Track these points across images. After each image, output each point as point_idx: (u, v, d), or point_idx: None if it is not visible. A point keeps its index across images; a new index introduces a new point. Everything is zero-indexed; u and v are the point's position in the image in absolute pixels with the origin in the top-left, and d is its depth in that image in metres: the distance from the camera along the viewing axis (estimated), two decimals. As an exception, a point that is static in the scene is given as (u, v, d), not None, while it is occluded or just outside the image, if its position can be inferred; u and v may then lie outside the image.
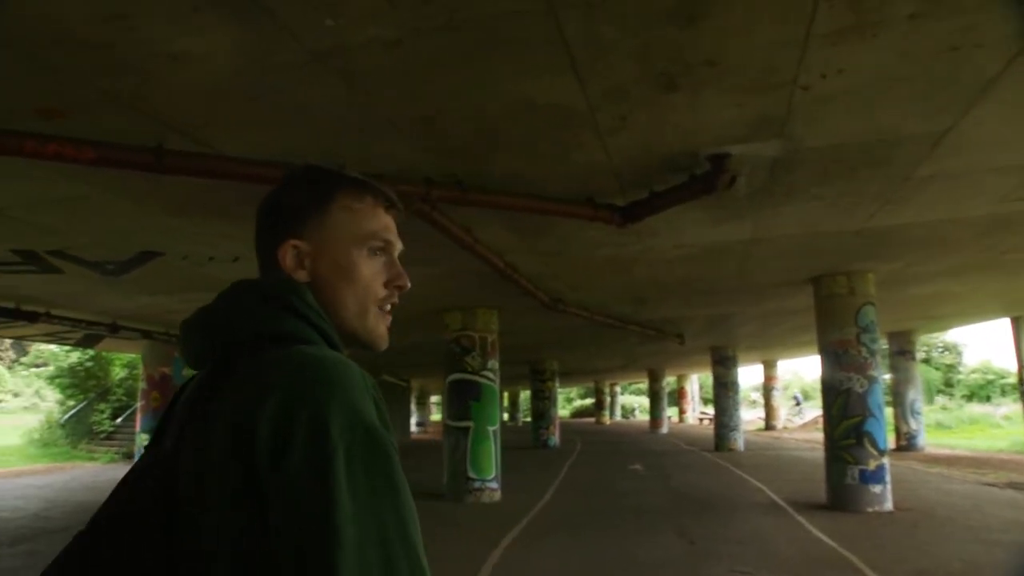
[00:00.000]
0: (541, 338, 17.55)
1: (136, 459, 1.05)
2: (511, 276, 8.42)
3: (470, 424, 11.44)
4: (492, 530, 8.74)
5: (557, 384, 24.84)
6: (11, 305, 10.08)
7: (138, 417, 15.40)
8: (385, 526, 0.81)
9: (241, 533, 0.82)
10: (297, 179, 1.12)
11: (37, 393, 42.73)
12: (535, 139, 4.96)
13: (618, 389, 56.06)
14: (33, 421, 23.18)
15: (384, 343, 1.13)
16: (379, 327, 1.11)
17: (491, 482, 11.45)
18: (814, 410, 33.60)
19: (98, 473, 16.39)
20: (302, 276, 1.05)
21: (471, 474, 11.33)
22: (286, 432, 0.81)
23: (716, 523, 9.01)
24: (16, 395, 50.30)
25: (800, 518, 9.22)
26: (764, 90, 4.31)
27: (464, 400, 11.57)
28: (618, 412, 55.48)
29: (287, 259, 1.05)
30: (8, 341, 50.21)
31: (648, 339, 17.59)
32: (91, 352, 20.63)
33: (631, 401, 62.40)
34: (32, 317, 10.33)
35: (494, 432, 11.61)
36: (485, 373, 11.69)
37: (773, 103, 4.49)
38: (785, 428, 33.07)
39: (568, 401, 72.81)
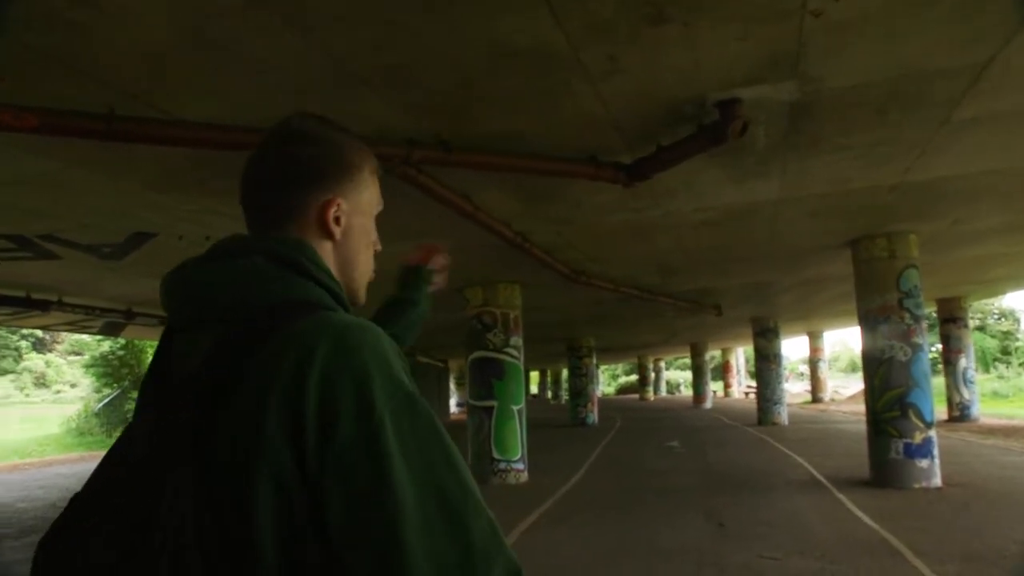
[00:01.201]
0: (573, 314, 17.11)
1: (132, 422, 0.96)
2: (522, 246, 7.97)
3: (493, 403, 11.05)
4: (512, 513, 8.37)
5: (595, 361, 24.37)
6: (22, 294, 9.96)
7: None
8: (443, 482, 0.81)
9: (292, 512, 0.78)
10: (328, 136, 1.08)
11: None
12: (519, 89, 4.49)
13: (663, 364, 55.30)
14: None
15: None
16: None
17: (517, 463, 11.07)
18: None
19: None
20: (337, 234, 1.05)
21: (496, 455, 10.96)
22: (332, 407, 0.79)
23: (749, 503, 8.51)
24: (73, 385, 51.65)
25: (840, 496, 8.68)
26: (769, 19, 3.77)
27: (487, 379, 11.18)
28: (663, 387, 54.77)
29: (330, 215, 1.04)
30: (63, 333, 51.48)
31: (684, 312, 17.03)
32: (122, 340, 20.74)
33: (676, 376, 61.66)
34: (44, 306, 10.21)
35: (519, 411, 11.21)
36: (508, 350, 11.27)
37: (782, 35, 3.95)
38: (832, 400, 32.13)
39: (614, 378, 72.67)
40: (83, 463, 16.40)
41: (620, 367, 70.46)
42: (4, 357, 57.27)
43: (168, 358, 0.96)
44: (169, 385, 0.92)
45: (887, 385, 9.36)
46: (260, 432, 0.79)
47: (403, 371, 0.87)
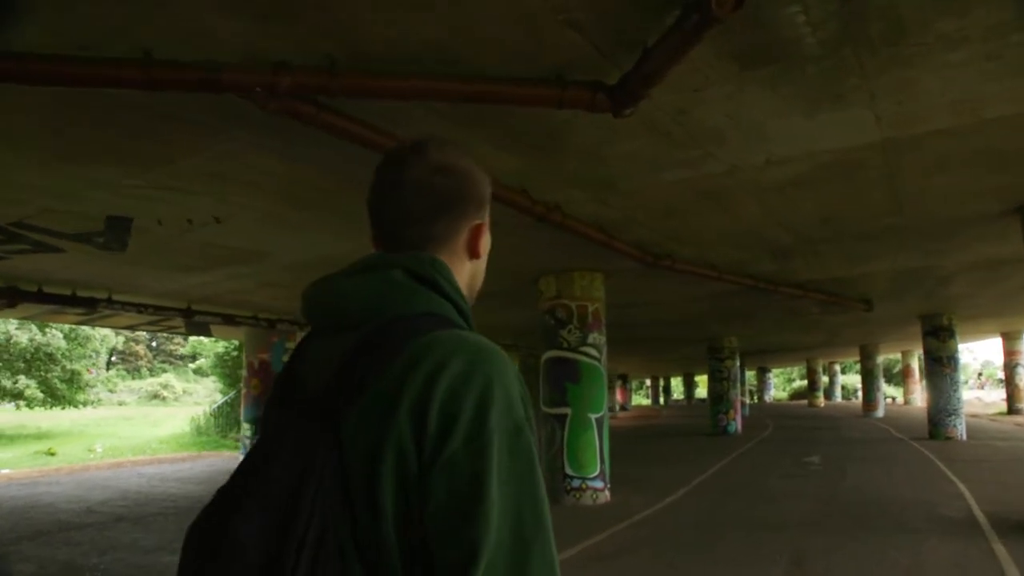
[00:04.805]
0: (696, 311, 15.09)
1: (258, 432, 1.05)
2: (548, 218, 6.38)
3: (567, 411, 9.46)
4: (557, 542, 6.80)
5: (738, 363, 21.88)
6: (68, 292, 9.56)
7: (241, 406, 14.90)
8: (523, 510, 0.87)
9: (409, 507, 0.87)
10: (467, 168, 1.15)
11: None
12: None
13: (837, 368, 50.65)
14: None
15: None
16: None
17: (594, 480, 9.41)
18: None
19: (228, 461, 16.10)
20: (482, 253, 1.17)
21: (569, 471, 9.36)
22: (451, 419, 0.88)
23: (862, 549, 6.44)
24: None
25: (997, 547, 6.41)
26: None
27: (559, 382, 9.59)
28: (837, 393, 50.20)
29: (481, 239, 1.15)
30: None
31: (829, 307, 14.54)
32: (236, 342, 20.84)
33: (853, 381, 56.41)
34: (91, 304, 9.79)
35: (598, 420, 9.52)
36: (585, 349, 9.63)
37: None
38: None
39: (789, 382, 68.38)
40: (182, 463, 16.30)
41: (796, 371, 65.89)
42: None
43: (302, 361, 1.05)
44: (304, 386, 1.00)
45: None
46: (390, 431, 0.88)
47: (521, 399, 0.94)
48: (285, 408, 1.01)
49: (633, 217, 7.31)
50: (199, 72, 3.60)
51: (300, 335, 15.18)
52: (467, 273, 1.15)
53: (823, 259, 10.04)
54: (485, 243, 1.17)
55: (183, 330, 14.19)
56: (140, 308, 10.44)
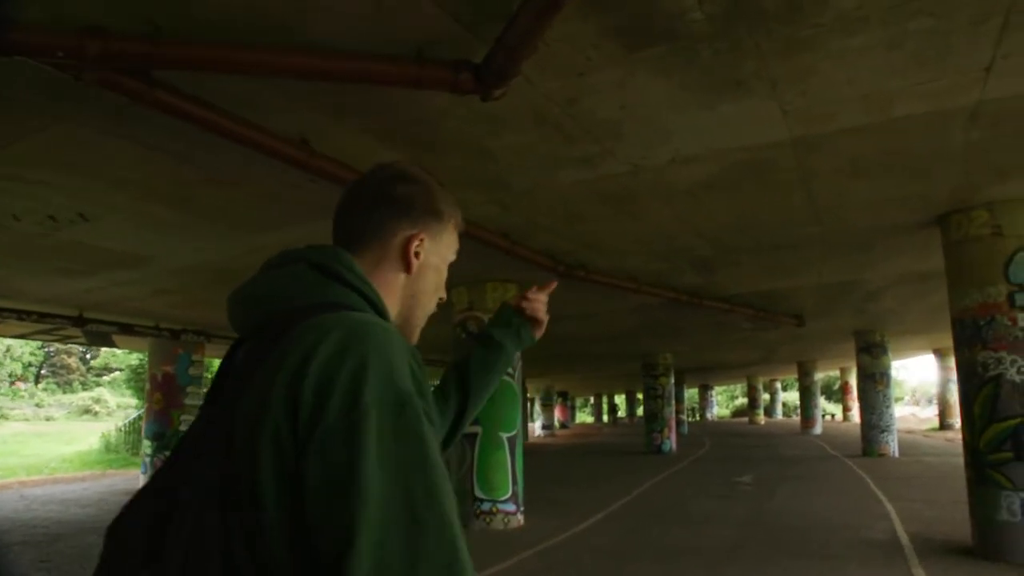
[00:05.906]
0: (625, 326, 14.73)
1: (192, 422, 1.00)
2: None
3: (477, 430, 8.93)
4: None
5: (672, 380, 21.58)
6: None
7: (143, 421, 13.98)
8: (412, 489, 0.80)
9: (285, 487, 0.80)
10: (425, 179, 1.15)
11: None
12: None
13: (778, 385, 51.06)
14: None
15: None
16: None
17: (506, 503, 8.88)
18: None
19: (131, 481, 15.13)
20: (414, 267, 1.10)
21: (479, 493, 8.82)
22: (324, 393, 0.82)
23: (777, 578, 6.06)
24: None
25: (918, 571, 6.10)
26: None
27: (471, 399, 9.05)
28: (778, 410, 50.60)
29: (411, 247, 1.10)
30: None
31: (762, 322, 14.31)
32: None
33: (794, 398, 57.07)
34: (-43, 308, 8.95)
35: (510, 440, 9.02)
36: (498, 365, 9.11)
37: None
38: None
39: (731, 399, 68.93)
40: (82, 483, 15.38)
41: (739, 388, 66.54)
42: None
43: (228, 366, 1.00)
44: (225, 381, 0.96)
45: (993, 415, 6.70)
46: (266, 417, 0.82)
47: (407, 373, 0.87)
48: (200, 412, 1.00)
49: (536, 222, 6.86)
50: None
51: (207, 347, 14.53)
52: (400, 288, 1.10)
53: (747, 271, 9.72)
54: (427, 264, 1.12)
55: (82, 340, 13.30)
56: (21, 315, 9.61)
